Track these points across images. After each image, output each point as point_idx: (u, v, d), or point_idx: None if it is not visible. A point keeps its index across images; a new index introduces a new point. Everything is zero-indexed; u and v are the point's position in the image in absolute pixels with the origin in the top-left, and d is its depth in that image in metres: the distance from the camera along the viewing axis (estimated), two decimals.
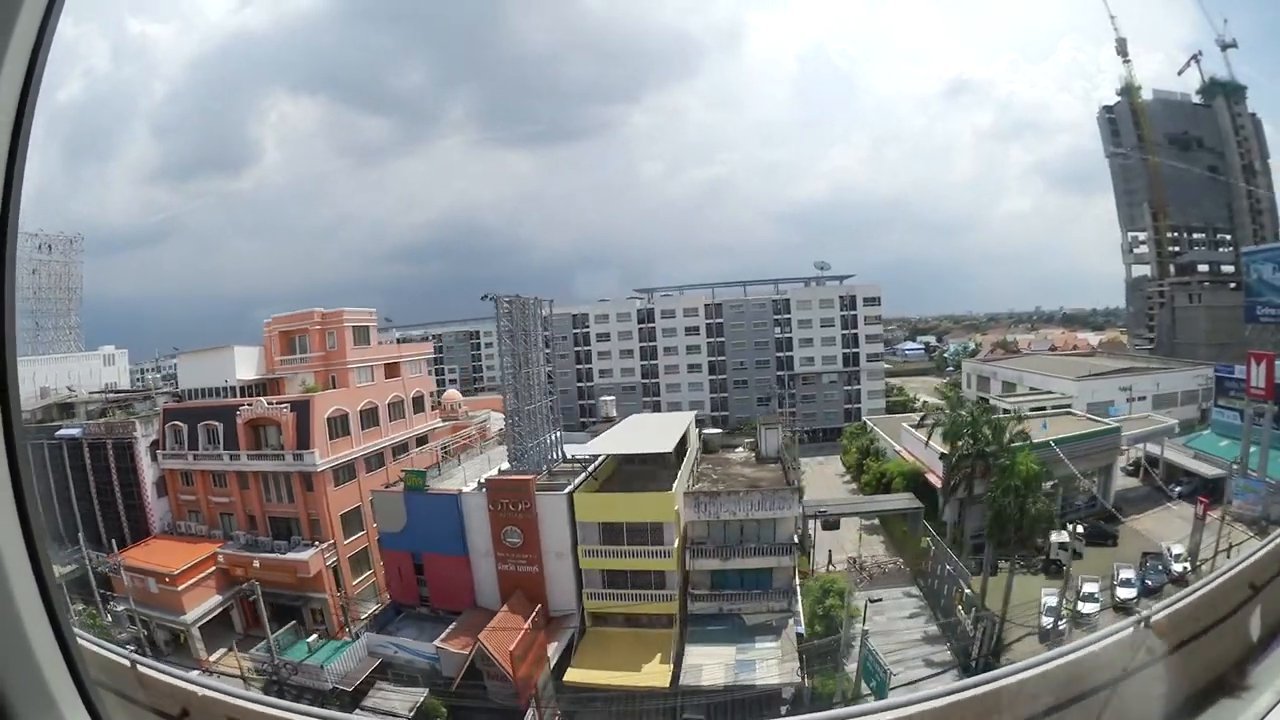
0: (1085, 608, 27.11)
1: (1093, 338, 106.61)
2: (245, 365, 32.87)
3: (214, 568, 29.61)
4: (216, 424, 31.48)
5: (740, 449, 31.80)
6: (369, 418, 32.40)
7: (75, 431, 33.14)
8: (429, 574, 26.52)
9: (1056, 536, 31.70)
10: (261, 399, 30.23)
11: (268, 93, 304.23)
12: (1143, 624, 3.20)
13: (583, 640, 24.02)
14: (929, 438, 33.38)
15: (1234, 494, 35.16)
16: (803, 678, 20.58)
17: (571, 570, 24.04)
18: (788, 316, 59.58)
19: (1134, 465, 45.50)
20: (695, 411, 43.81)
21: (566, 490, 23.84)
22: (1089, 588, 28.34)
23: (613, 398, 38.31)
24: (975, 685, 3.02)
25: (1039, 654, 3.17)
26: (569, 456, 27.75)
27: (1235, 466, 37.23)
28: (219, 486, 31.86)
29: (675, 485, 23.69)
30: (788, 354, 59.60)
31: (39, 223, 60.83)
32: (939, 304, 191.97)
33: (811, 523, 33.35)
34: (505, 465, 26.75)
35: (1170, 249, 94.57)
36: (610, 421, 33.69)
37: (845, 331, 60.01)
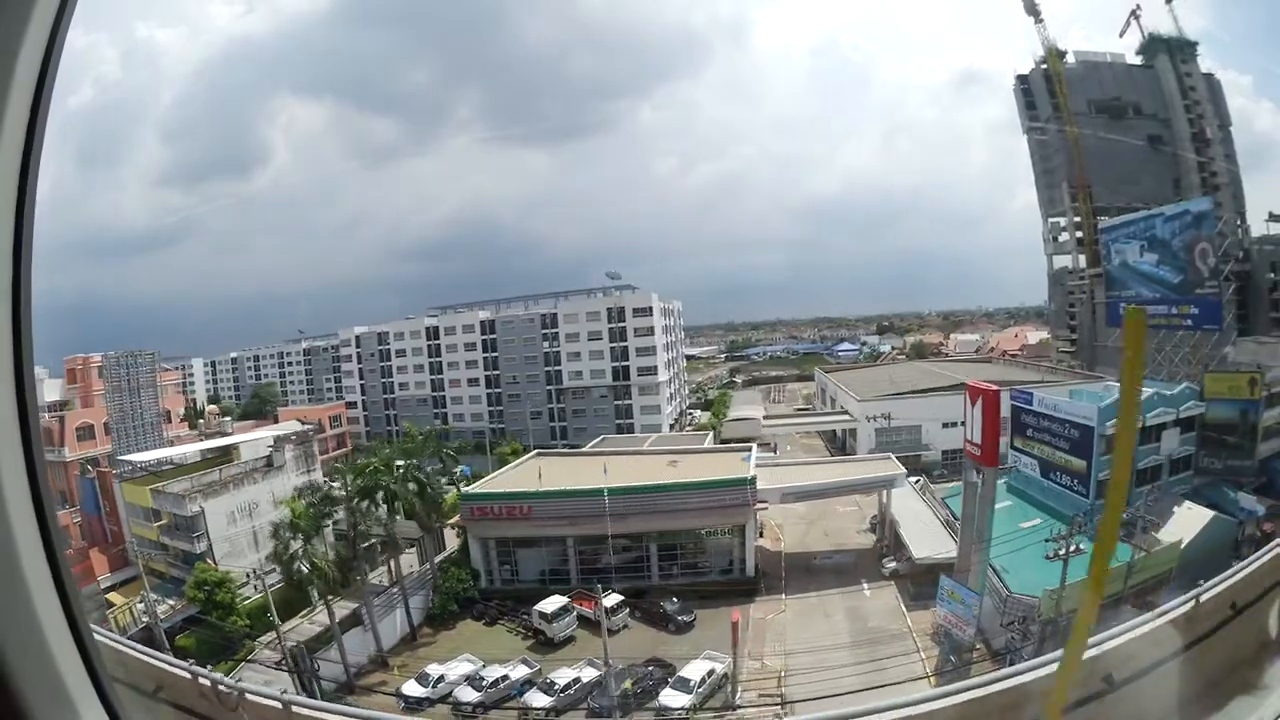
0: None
1: (1035, 337, 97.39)
2: (51, 391, 55.72)
3: None
4: None
5: None
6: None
7: None
8: (94, 527, 46.21)
9: (545, 603, 30.14)
10: (47, 414, 52.55)
11: (276, 95, 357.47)
12: (1162, 620, 3.30)
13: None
14: None
15: (938, 600, 26.69)
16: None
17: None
18: (555, 331, 68.89)
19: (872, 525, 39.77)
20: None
21: (122, 480, 41.50)
22: (455, 669, 23.77)
23: (229, 418, 55.12)
24: (996, 680, 3.31)
25: (1053, 653, 3.50)
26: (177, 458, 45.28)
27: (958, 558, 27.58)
28: None
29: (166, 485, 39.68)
30: (556, 368, 69.36)
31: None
32: (947, 299, 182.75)
33: None
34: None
35: (1093, 235, 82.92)
36: (228, 435, 50.77)
37: (615, 344, 68.25)
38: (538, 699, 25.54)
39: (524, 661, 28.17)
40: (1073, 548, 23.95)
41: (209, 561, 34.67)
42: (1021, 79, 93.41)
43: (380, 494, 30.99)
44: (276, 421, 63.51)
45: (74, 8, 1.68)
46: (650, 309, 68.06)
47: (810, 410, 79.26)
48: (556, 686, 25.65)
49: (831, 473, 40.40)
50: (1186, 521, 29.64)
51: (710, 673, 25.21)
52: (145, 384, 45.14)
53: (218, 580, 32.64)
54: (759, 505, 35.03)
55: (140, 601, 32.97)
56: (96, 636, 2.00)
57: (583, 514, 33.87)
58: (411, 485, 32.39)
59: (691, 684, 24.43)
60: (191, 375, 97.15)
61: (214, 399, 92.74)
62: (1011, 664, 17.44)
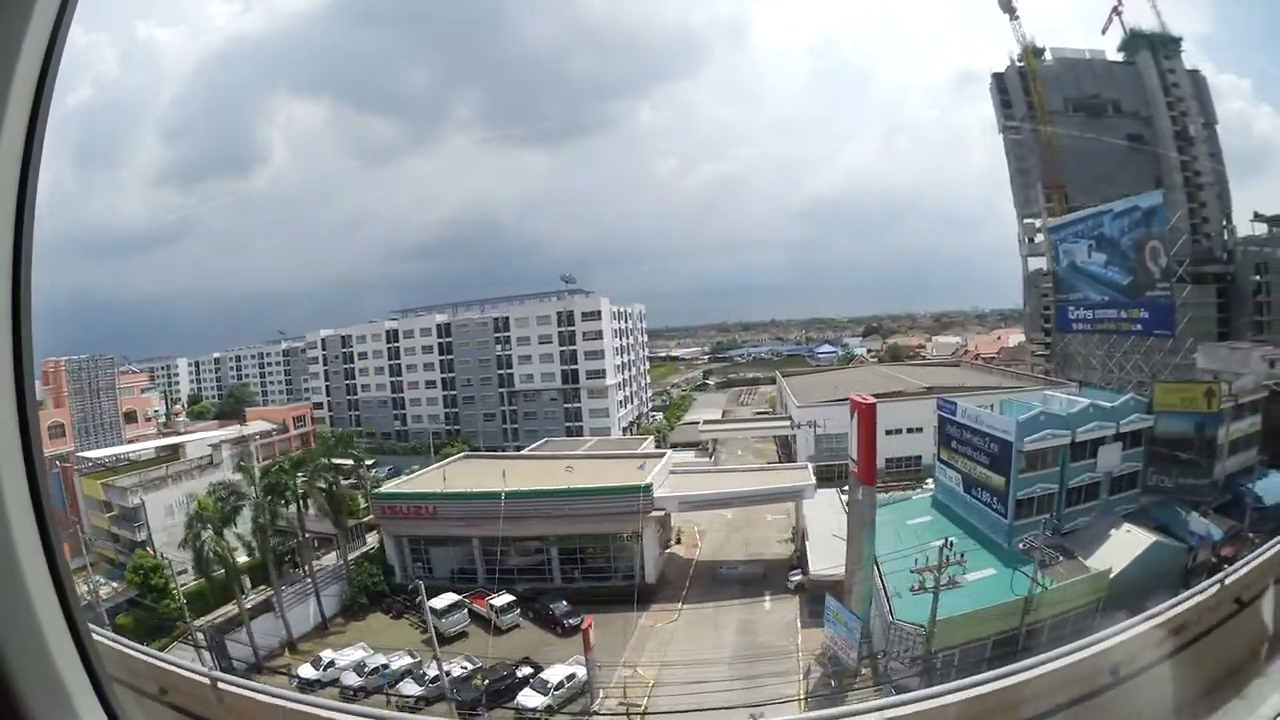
0: None
1: (1017, 339, 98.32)
2: None
3: None
4: None
5: None
6: None
7: None
8: (60, 519, 51.62)
9: (437, 600, 31.43)
10: None
11: (275, 95, 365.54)
12: (1166, 615, 3.28)
13: None
14: None
15: (825, 620, 26.28)
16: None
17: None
18: (507, 335, 72.23)
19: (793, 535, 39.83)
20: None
21: (81, 475, 46.63)
22: None
23: (184, 417, 60.14)
24: (992, 680, 3.38)
25: (1053, 651, 3.40)
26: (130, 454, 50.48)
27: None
28: None
29: (116, 479, 44.81)
30: (509, 371, 72.80)
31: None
32: (945, 300, 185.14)
33: None
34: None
35: None
36: (181, 434, 56.05)
37: (564, 348, 71.54)
38: (409, 687, 28.79)
39: (409, 653, 31.27)
40: (944, 579, 21.97)
41: (148, 549, 39.39)
42: (997, 77, 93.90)
43: (287, 492, 35.10)
44: (244, 421, 68.62)
45: (74, 8, 1.71)
46: (599, 313, 71.14)
47: (769, 414, 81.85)
48: (427, 677, 28.41)
49: (743, 481, 40.71)
50: (1124, 546, 27.08)
51: (570, 677, 26.93)
52: (105, 386, 50.39)
53: (152, 566, 37.30)
54: (655, 512, 36.22)
55: (84, 583, 37.80)
56: (96, 636, 2.02)
57: (484, 515, 35.96)
58: (320, 484, 36.49)
59: (549, 686, 26.35)
60: (177, 375, 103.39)
61: (196, 398, 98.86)
62: (888, 694, 18.57)
